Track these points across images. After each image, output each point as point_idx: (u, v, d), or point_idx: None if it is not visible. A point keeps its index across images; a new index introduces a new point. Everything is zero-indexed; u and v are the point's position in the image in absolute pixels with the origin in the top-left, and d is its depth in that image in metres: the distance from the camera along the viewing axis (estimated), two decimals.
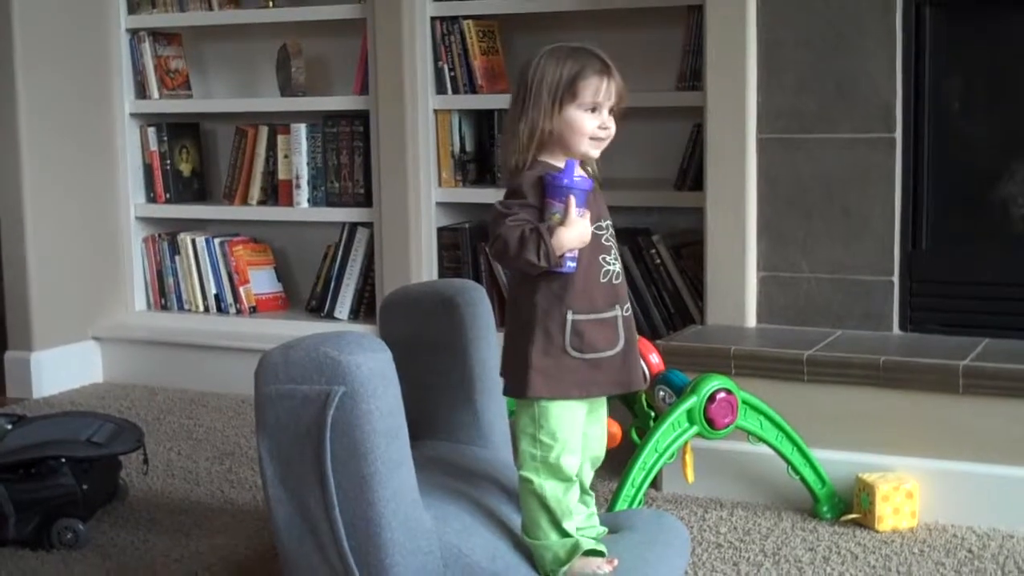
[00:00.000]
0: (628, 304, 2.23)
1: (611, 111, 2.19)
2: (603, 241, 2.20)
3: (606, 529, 2.31)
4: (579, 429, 2.19)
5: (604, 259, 2.19)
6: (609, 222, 2.23)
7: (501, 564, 2.17)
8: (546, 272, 2.12)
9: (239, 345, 4.09)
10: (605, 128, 2.18)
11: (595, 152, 2.20)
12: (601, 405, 2.28)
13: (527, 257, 2.10)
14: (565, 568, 2.18)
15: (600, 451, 2.29)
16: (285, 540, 2.12)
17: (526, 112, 2.16)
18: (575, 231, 2.11)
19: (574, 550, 2.17)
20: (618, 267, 2.21)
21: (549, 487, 2.16)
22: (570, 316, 2.15)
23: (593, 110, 2.16)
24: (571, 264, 2.13)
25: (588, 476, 2.28)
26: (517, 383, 2.16)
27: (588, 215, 2.14)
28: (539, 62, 2.17)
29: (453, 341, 2.49)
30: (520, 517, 2.24)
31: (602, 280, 2.18)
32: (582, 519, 2.24)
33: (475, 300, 2.51)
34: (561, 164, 2.16)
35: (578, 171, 2.15)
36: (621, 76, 2.20)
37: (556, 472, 2.16)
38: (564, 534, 2.18)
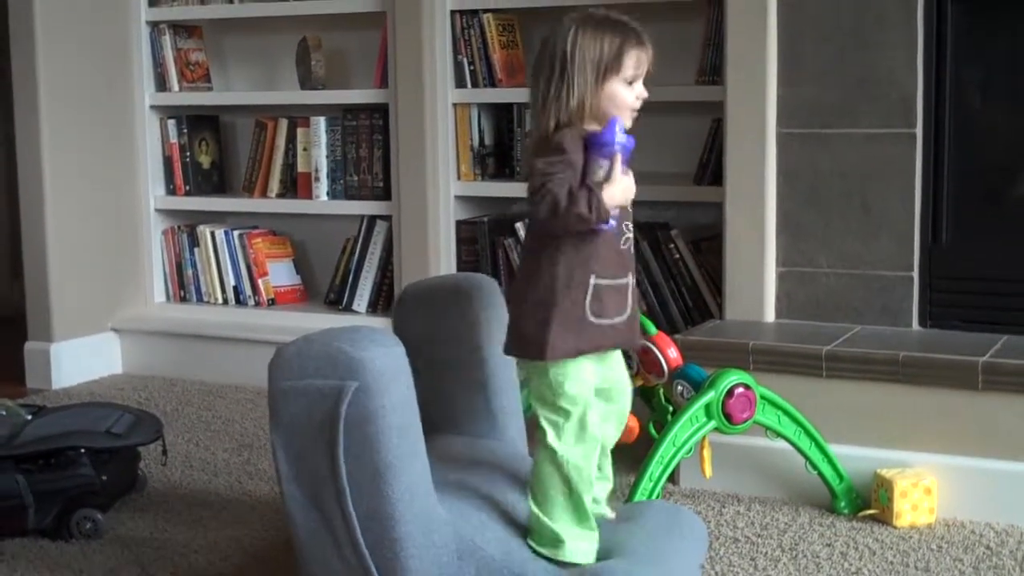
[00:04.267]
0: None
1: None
2: (628, 208, 2.22)
3: (608, 514, 2.32)
4: (592, 387, 2.19)
5: (627, 225, 2.21)
6: None
7: (516, 558, 2.17)
8: (577, 233, 2.11)
9: (258, 337, 4.10)
10: (640, 98, 2.20)
11: (629, 123, 2.20)
12: (617, 378, 2.27)
13: (578, 211, 2.07)
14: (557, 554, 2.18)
15: (615, 433, 2.29)
16: (301, 534, 2.13)
17: (570, 84, 2.14)
18: (620, 188, 2.12)
19: (565, 553, 2.18)
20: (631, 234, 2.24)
21: (573, 455, 2.15)
22: (593, 280, 2.15)
23: (631, 82, 2.18)
24: (613, 223, 2.14)
25: (604, 462, 2.28)
26: (535, 346, 2.15)
27: (631, 174, 2.15)
28: (575, 33, 2.16)
29: (469, 335, 2.49)
30: None
31: (622, 246, 2.20)
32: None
33: (491, 294, 2.51)
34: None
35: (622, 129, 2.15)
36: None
37: (582, 433, 2.15)
38: (579, 519, 2.18)
